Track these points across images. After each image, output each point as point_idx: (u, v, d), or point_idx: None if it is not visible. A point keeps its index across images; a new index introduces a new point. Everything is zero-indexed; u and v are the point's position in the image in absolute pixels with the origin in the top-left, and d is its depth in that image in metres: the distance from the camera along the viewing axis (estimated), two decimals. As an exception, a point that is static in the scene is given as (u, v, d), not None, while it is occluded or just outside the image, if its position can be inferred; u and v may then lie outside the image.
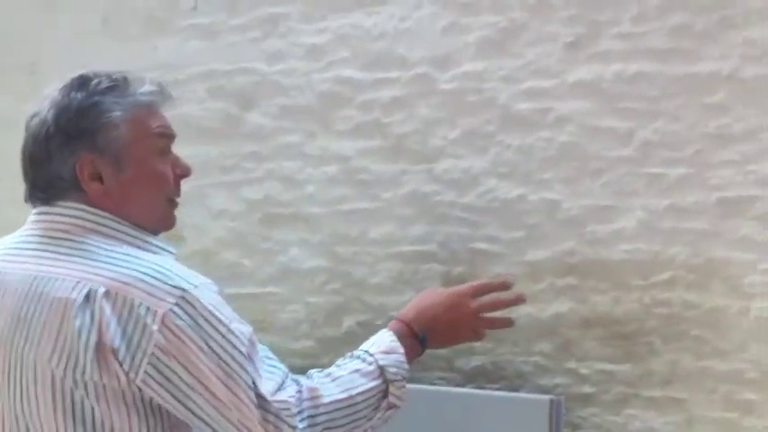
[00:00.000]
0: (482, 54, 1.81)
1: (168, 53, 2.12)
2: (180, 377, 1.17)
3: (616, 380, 1.69)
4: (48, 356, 1.18)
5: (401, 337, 1.39)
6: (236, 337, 1.20)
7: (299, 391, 1.23)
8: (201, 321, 1.18)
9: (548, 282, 1.75)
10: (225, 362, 1.18)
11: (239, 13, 2.05)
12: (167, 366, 1.17)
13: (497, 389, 1.77)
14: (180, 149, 2.08)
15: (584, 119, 1.72)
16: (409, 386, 1.74)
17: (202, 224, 2.09)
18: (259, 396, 1.19)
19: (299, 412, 1.21)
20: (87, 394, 1.17)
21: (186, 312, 1.18)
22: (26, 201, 1.35)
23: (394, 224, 1.89)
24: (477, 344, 1.78)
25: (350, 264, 1.93)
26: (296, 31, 1.99)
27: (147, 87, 1.35)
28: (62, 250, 1.25)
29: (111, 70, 1.37)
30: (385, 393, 1.32)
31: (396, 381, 1.33)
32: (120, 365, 1.16)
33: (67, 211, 1.28)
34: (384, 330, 1.42)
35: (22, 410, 1.21)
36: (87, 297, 1.18)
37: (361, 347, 1.38)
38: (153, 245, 1.31)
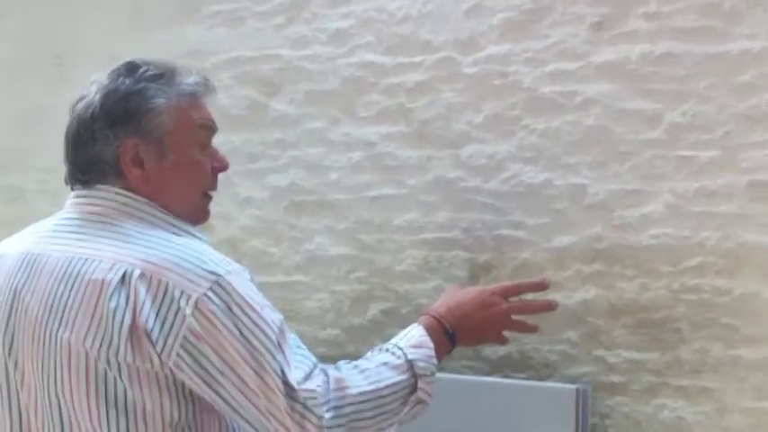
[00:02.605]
0: (506, 36, 1.77)
1: (194, 41, 2.12)
2: (210, 361, 1.17)
3: (645, 368, 1.65)
4: (82, 337, 1.19)
5: (431, 332, 1.38)
6: (267, 324, 1.20)
7: (327, 381, 1.22)
8: (234, 307, 1.18)
9: (574, 268, 1.71)
10: (255, 348, 1.18)
11: (264, 0, 2.04)
12: (199, 350, 1.17)
13: (524, 378, 1.74)
14: (208, 138, 2.12)
15: (610, 101, 1.68)
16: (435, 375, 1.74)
17: (230, 212, 2.09)
18: (287, 384, 1.18)
19: (326, 402, 1.20)
20: (120, 375, 1.18)
21: (219, 297, 1.18)
22: (66, 182, 1.37)
23: (419, 211, 1.87)
24: (505, 332, 1.76)
25: (375, 251, 1.92)
26: (320, 16, 1.98)
27: (192, 78, 1.37)
28: (99, 233, 1.26)
29: (159, 60, 1.39)
30: (413, 388, 1.30)
31: (424, 375, 1.31)
32: (153, 347, 1.16)
33: (106, 195, 1.30)
34: (414, 325, 1.40)
35: (56, 393, 1.22)
36: (123, 278, 1.19)
37: (390, 341, 1.37)
38: (188, 232, 1.32)
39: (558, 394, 1.61)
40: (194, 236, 1.31)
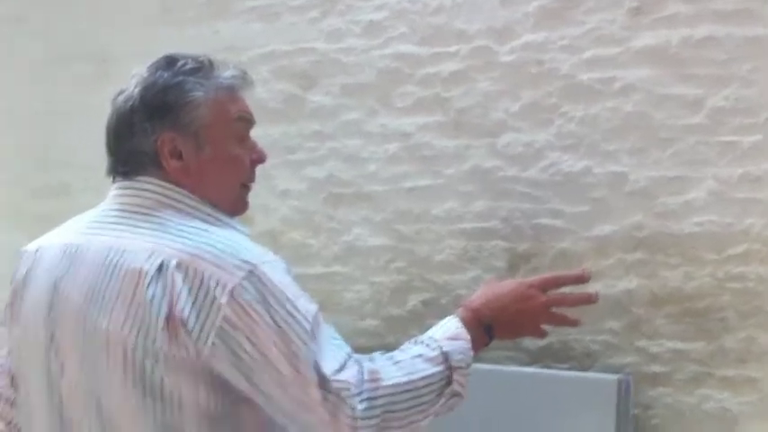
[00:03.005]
0: (542, 24, 1.75)
1: (230, 36, 2.12)
2: (246, 351, 1.17)
3: (688, 358, 1.62)
4: (120, 325, 1.20)
5: (467, 324, 1.34)
6: (302, 314, 1.20)
7: (361, 372, 1.21)
8: (269, 297, 1.18)
9: (616, 257, 1.69)
10: (289, 338, 1.17)
11: (298, -7, 2.05)
12: (234, 339, 1.17)
13: (565, 368, 1.72)
14: (246, 131, 2.12)
15: (650, 87, 1.65)
16: (475, 365, 1.74)
17: (269, 204, 2.10)
18: (320, 375, 1.17)
19: (359, 393, 1.18)
20: (157, 364, 1.19)
21: (254, 287, 1.18)
22: (107, 174, 1.38)
23: (457, 200, 1.86)
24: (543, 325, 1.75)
25: (413, 242, 1.91)
26: (354, 8, 1.97)
27: (230, 72, 1.37)
28: (138, 223, 1.28)
29: (196, 53, 1.39)
30: (449, 380, 1.28)
31: (460, 368, 1.29)
32: (189, 336, 1.17)
33: (146, 186, 1.31)
34: (450, 317, 1.37)
35: (96, 382, 1.23)
36: (160, 268, 1.19)
37: (426, 333, 1.34)
38: (225, 223, 1.32)
39: (599, 385, 1.60)
40: (232, 227, 1.32)
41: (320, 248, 2.04)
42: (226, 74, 1.36)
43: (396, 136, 1.93)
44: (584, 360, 1.72)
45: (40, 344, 1.29)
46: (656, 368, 1.65)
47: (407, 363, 1.25)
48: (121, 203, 1.31)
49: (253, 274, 1.19)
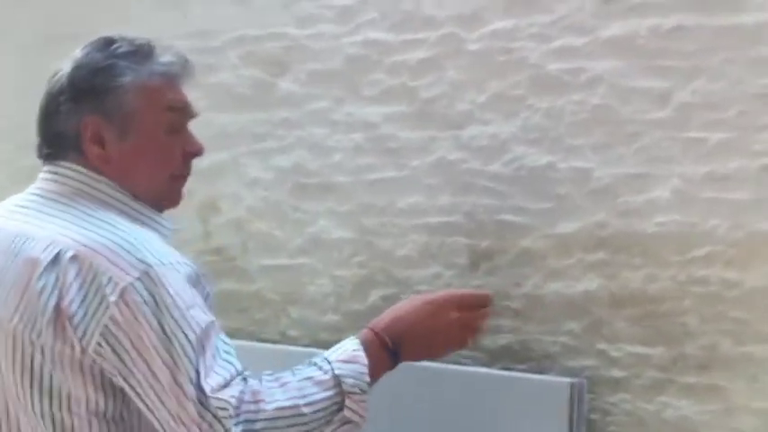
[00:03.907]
0: (511, 11, 1.68)
1: (200, 20, 2.08)
2: (127, 353, 1.13)
3: (649, 364, 1.55)
4: (10, 315, 1.17)
5: (369, 347, 1.26)
6: (189, 323, 1.14)
7: (243, 393, 1.14)
8: (159, 300, 1.14)
9: (577, 256, 1.62)
10: (173, 346, 1.12)
11: (270, -24, 2.00)
12: (117, 340, 1.13)
13: (524, 370, 1.66)
14: (214, 117, 2.08)
15: (617, 79, 1.58)
16: (428, 364, 1.68)
17: (237, 193, 2.06)
18: (199, 389, 1.12)
19: (237, 415, 1.12)
20: (44, 358, 1.15)
21: (146, 288, 1.14)
22: (37, 156, 1.35)
23: (421, 194, 1.80)
24: (505, 321, 1.69)
25: (376, 235, 1.85)
26: (326, -8, 1.92)
27: (167, 58, 1.32)
28: (49, 210, 1.24)
29: (140, 36, 1.35)
30: (341, 406, 1.20)
31: (353, 393, 1.20)
32: (75, 332, 1.13)
33: (66, 172, 1.27)
34: (350, 338, 1.29)
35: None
36: (55, 259, 1.16)
37: (322, 354, 1.27)
38: (145, 216, 1.28)
39: (551, 388, 1.53)
40: (155, 221, 1.28)
41: (286, 240, 1.99)
42: (163, 59, 1.31)
43: (362, 126, 1.87)
44: (544, 362, 1.65)
45: None
46: (616, 373, 1.58)
47: (294, 385, 1.18)
48: (41, 188, 1.28)
49: (147, 275, 1.14)
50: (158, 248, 1.19)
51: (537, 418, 1.54)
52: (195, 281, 1.20)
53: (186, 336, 1.13)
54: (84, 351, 1.14)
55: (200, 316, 1.16)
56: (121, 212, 1.24)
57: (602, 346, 1.59)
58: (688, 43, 1.51)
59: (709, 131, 1.50)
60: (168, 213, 2.04)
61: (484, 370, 1.65)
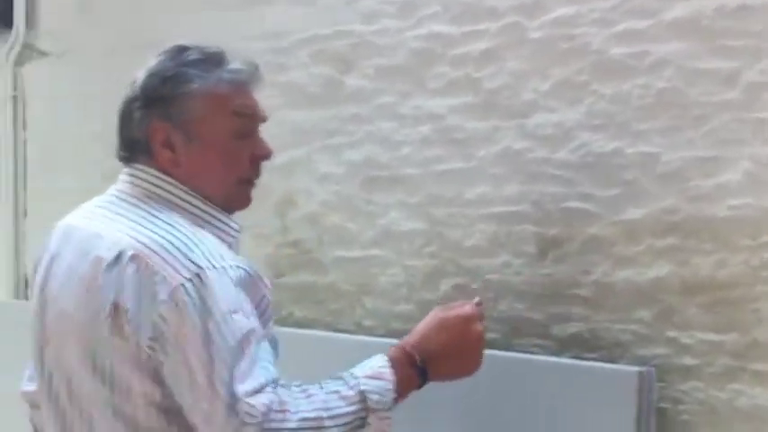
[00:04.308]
0: (573, -3, 1.67)
1: (272, 21, 2.13)
2: (172, 349, 1.17)
3: (721, 351, 1.52)
4: (78, 309, 1.23)
5: (397, 364, 1.25)
6: (231, 328, 1.17)
7: (272, 401, 1.16)
8: (206, 302, 1.17)
9: (647, 243, 1.60)
10: (213, 347, 1.15)
11: (335, -25, 2.03)
12: (164, 337, 1.18)
13: (594, 359, 1.65)
14: (288, 115, 2.14)
15: (683, 61, 1.55)
16: (498, 353, 1.69)
17: (310, 188, 2.11)
18: (231, 393, 1.14)
19: (263, 422, 1.14)
20: (106, 351, 1.21)
21: (195, 290, 1.17)
22: (117, 158, 1.40)
23: (488, 184, 1.80)
24: (575, 309, 1.68)
25: (446, 226, 1.87)
26: (388, -13, 1.94)
27: (235, 65, 1.34)
28: (119, 210, 1.30)
29: (210, 44, 1.37)
30: (364, 422, 1.20)
31: (378, 410, 1.20)
32: (130, 326, 1.18)
33: (138, 174, 1.33)
34: (380, 354, 1.28)
35: (64, 364, 1.27)
36: (117, 257, 1.21)
37: (351, 369, 1.26)
38: (212, 217, 1.31)
39: (620, 377, 1.52)
40: (218, 222, 1.31)
41: (358, 232, 2.03)
42: (231, 67, 1.34)
43: (428, 118, 1.89)
44: (614, 350, 1.63)
45: (35, 325, 1.34)
46: (688, 360, 1.55)
47: (320, 398, 1.19)
48: (117, 190, 1.35)
49: (198, 276, 1.18)
50: (213, 251, 1.22)
51: (605, 407, 1.52)
52: (248, 284, 1.23)
53: (226, 339, 1.16)
54: (138, 345, 1.19)
55: (243, 321, 1.18)
56: (187, 214, 1.28)
57: (672, 333, 1.57)
58: (753, 22, 1.47)
59: (778, 111, 1.46)
60: (250, 210, 2.17)
61: (553, 359, 1.65)
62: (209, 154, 1.32)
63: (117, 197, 1.33)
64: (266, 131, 2.17)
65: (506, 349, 1.75)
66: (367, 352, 1.93)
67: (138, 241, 1.22)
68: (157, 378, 1.20)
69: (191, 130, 1.31)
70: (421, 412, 1.68)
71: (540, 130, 1.73)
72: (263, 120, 1.40)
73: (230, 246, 1.34)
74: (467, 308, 1.34)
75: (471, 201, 1.83)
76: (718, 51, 1.51)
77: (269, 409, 1.14)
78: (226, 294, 1.18)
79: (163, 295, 1.17)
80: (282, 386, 1.18)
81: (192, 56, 1.33)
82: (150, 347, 1.19)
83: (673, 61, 1.56)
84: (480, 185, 1.82)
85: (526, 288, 1.75)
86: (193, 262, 1.19)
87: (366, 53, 1.99)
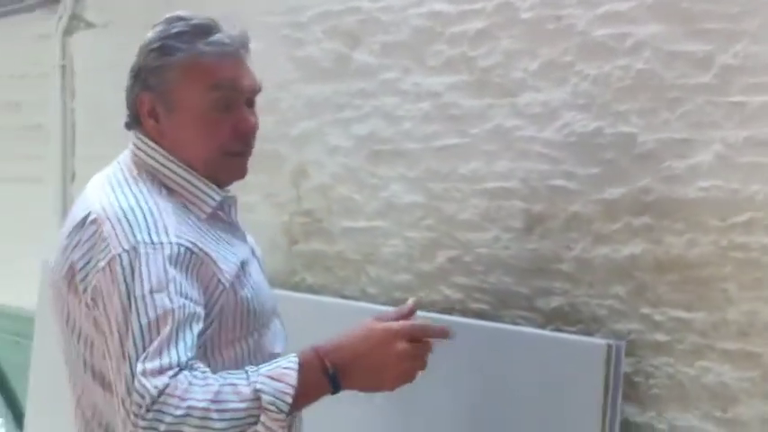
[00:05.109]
0: (560, -23, 1.70)
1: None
2: (102, 313, 1.24)
3: (690, 328, 1.56)
4: (56, 269, 1.32)
5: (306, 368, 1.22)
6: (148, 306, 1.19)
7: (168, 385, 1.15)
8: (135, 277, 1.21)
9: (623, 221, 1.64)
10: (130, 319, 1.19)
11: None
12: (97, 300, 1.24)
13: (574, 332, 1.70)
14: (303, 88, 2.22)
15: (661, 44, 1.57)
16: (470, 321, 1.76)
17: (321, 160, 2.19)
18: (133, 370, 1.16)
19: (152, 404, 1.15)
20: (71, 307, 1.29)
21: (129, 262, 1.21)
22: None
23: (480, 160, 1.86)
24: (557, 284, 1.73)
25: (442, 200, 1.93)
26: (393, -35, 1.99)
27: (217, 37, 1.34)
28: (110, 175, 1.36)
29: (202, 15, 1.37)
30: (257, 420, 1.17)
31: (269, 411, 1.17)
32: (79, 287, 1.26)
33: (136, 141, 1.38)
34: (292, 354, 1.25)
35: (56, 322, 1.36)
36: (83, 219, 1.28)
37: (263, 364, 1.24)
38: (191, 185, 1.34)
39: (590, 350, 1.57)
40: (196, 191, 1.34)
41: (363, 203, 2.11)
42: (212, 39, 1.33)
43: (428, 95, 1.95)
44: (591, 324, 1.68)
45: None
46: (659, 336, 1.59)
47: (214, 388, 1.17)
48: (122, 155, 1.40)
49: (135, 250, 1.22)
50: (162, 226, 1.25)
51: (577, 378, 1.58)
52: (188, 262, 1.25)
53: (141, 317, 1.19)
54: (87, 304, 1.26)
55: (163, 301, 1.20)
56: (167, 182, 1.33)
57: (646, 310, 1.61)
58: (730, 5, 1.48)
59: (750, 95, 1.47)
60: (266, 177, 2.26)
61: (529, 330, 1.71)
62: (188, 124, 1.34)
63: (117, 162, 1.39)
64: (283, 104, 2.29)
65: (494, 320, 1.82)
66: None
67: (103, 207, 1.27)
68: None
69: (171, 100, 1.34)
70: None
71: (528, 109, 1.77)
72: (251, 92, 1.39)
73: (227, 211, 1.38)
74: (395, 325, 1.28)
75: (465, 176, 1.89)
76: (695, 34, 1.53)
77: (160, 393, 1.15)
78: (154, 271, 1.21)
79: (102, 262, 1.23)
80: (191, 371, 1.17)
81: (178, 28, 1.34)
82: (89, 308, 1.25)
83: (651, 43, 1.58)
84: (473, 161, 1.87)
85: (514, 262, 1.81)
86: (134, 234, 1.23)
87: (372, 29, 2.05)
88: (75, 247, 1.28)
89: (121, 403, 1.17)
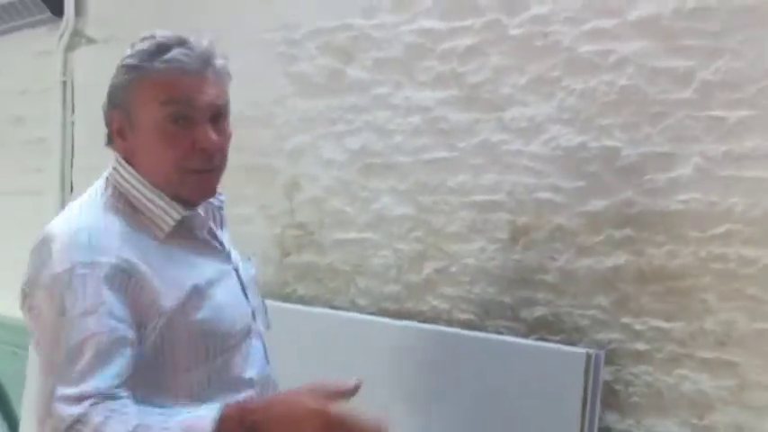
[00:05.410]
0: (548, -5, 1.75)
1: (283, 13, 2.26)
2: (38, 331, 1.25)
3: (669, 338, 1.59)
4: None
5: (227, 421, 1.16)
6: (77, 327, 1.19)
7: (82, 414, 1.14)
8: (68, 297, 1.20)
9: (606, 233, 1.67)
10: (60, 340, 1.19)
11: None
12: (36, 318, 1.26)
13: (557, 342, 1.73)
14: (298, 103, 2.26)
15: (644, 60, 1.61)
16: (456, 331, 1.79)
17: (315, 173, 2.23)
18: (53, 393, 1.16)
19: (66, 430, 1.13)
20: (27, 324, 1.31)
21: (64, 283, 1.21)
22: None
23: (468, 173, 1.90)
24: (541, 294, 1.76)
25: (430, 212, 1.97)
26: (385, -17, 2.04)
27: (173, 54, 1.30)
28: (87, 193, 1.36)
29: (169, 33, 1.35)
30: None
31: None
32: (24, 303, 1.28)
33: (113, 160, 1.37)
34: (216, 406, 1.19)
35: None
36: (42, 239, 1.28)
37: (184, 410, 1.21)
38: (150, 203, 1.32)
39: (570, 359, 1.60)
40: (156, 209, 1.32)
41: (355, 216, 2.14)
42: (166, 56, 1.30)
43: (418, 109, 1.99)
44: (574, 334, 1.71)
45: None
46: (639, 346, 1.62)
47: (128, 427, 1.14)
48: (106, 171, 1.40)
49: (72, 271, 1.21)
50: (101, 246, 1.24)
51: (557, 387, 1.61)
52: (125, 282, 1.23)
53: (69, 338, 1.18)
54: (31, 321, 1.27)
55: (93, 324, 1.19)
56: (131, 201, 1.32)
57: (627, 320, 1.64)
58: (711, 23, 1.52)
59: (728, 110, 1.51)
60: (260, 190, 2.30)
61: (512, 339, 1.74)
62: (147, 141, 1.32)
63: (101, 178, 1.38)
64: (278, 119, 2.34)
65: (479, 330, 1.85)
66: (362, 329, 2.05)
67: (60, 227, 1.28)
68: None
69: (132, 119, 1.33)
70: (389, 380, 1.79)
71: (515, 124, 1.81)
72: (210, 107, 1.33)
73: (199, 229, 1.36)
74: (331, 409, 1.16)
75: (453, 189, 1.93)
76: (676, 51, 1.57)
77: (75, 421, 1.13)
78: (90, 293, 1.20)
79: (45, 280, 1.23)
80: (114, 400, 1.16)
81: (143, 46, 1.33)
82: (32, 323, 1.27)
83: (634, 60, 1.63)
84: (461, 174, 1.91)
85: (499, 272, 1.84)
86: (75, 254, 1.23)
87: (365, 46, 2.10)
88: (30, 265, 1.29)
89: (41, 422, 1.17)
